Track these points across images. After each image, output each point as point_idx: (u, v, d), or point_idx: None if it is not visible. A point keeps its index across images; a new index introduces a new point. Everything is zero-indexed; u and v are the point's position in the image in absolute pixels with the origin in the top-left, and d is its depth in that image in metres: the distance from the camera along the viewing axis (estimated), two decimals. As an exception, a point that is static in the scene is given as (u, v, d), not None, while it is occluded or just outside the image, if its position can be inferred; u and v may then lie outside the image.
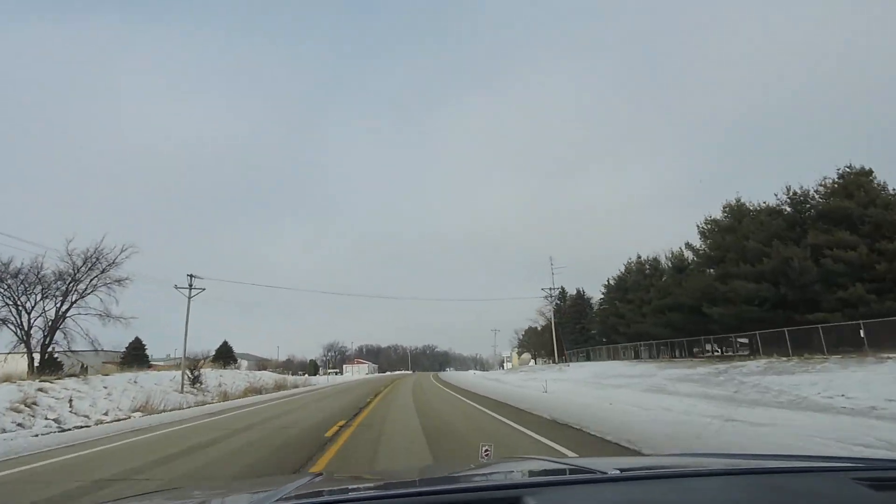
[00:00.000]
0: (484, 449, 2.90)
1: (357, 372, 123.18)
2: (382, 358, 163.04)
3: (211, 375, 35.36)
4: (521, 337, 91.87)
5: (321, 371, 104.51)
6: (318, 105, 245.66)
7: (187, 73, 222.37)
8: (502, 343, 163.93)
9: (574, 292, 69.31)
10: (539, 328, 76.44)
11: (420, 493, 1.29)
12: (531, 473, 1.85)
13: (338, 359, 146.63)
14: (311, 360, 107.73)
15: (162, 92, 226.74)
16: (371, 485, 1.87)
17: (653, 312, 42.01)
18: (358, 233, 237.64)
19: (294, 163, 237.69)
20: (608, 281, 57.03)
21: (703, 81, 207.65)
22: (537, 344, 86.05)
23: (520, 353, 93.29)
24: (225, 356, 55.88)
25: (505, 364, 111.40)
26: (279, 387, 41.96)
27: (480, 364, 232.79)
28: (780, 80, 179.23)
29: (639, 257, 51.75)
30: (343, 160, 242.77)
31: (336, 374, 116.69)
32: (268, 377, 45.42)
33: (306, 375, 72.95)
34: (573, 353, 67.24)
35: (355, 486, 1.76)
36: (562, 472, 1.75)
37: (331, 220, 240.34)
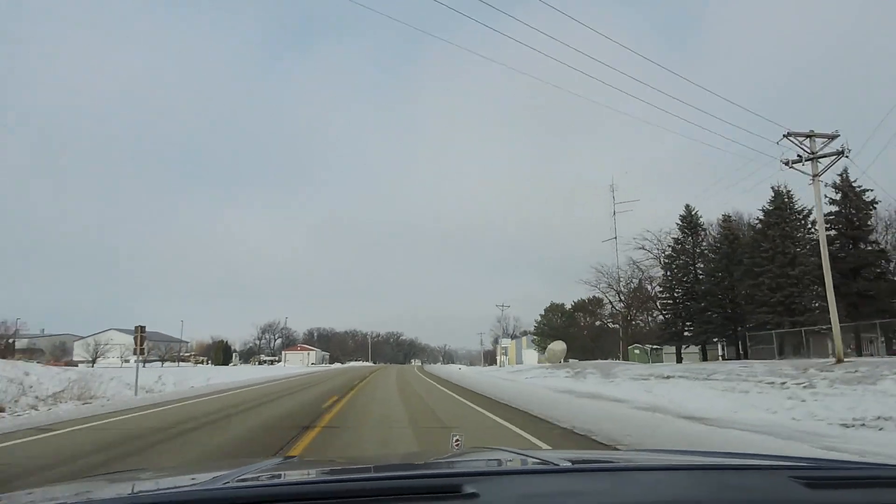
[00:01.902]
0: (455, 439, 2.93)
1: (300, 361, 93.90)
2: (336, 345, 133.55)
3: None
4: (539, 320, 64.23)
5: (236, 360, 75.31)
6: (285, 55, 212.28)
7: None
8: (481, 331, 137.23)
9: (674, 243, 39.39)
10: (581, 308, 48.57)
11: (367, 479, 1.40)
12: (487, 463, 1.89)
13: (280, 344, 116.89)
14: (220, 342, 76.83)
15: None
16: (328, 469, 1.97)
17: None
18: (326, 212, 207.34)
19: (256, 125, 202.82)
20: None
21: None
22: (560, 332, 58.84)
23: (539, 344, 65.18)
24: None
25: (499, 359, 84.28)
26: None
27: (448, 356, 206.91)
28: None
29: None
30: (316, 130, 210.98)
31: (270, 363, 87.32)
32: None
33: (203, 363, 44.87)
34: (648, 351, 40.30)
35: (312, 470, 1.92)
36: (513, 462, 1.81)
37: (296, 195, 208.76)
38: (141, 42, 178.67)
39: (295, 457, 2.69)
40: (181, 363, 69.08)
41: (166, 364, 64.74)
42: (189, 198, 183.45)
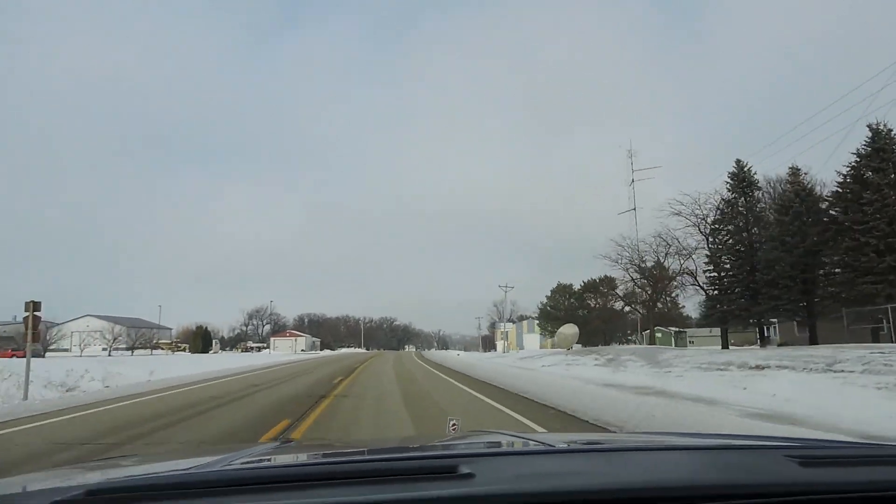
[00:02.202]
0: (452, 423, 2.96)
1: (289, 349, 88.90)
2: (327, 331, 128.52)
3: None
4: (544, 302, 59.29)
5: (216, 347, 69.93)
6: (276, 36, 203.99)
7: None
8: (479, 315, 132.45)
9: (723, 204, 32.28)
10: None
11: (363, 461, 1.41)
12: (482, 445, 1.90)
13: (269, 330, 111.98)
14: (199, 328, 71.02)
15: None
16: (325, 452, 1.97)
17: None
18: (319, 195, 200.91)
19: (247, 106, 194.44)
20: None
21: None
22: (569, 315, 54.22)
23: (545, 328, 60.64)
24: None
25: (499, 343, 79.75)
26: None
27: (442, 342, 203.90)
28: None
29: None
30: (304, 113, 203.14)
31: (257, 349, 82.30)
32: None
33: (182, 351, 39.97)
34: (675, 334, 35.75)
35: (310, 453, 1.92)
36: (510, 444, 1.83)
37: (289, 177, 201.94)
38: (120, 21, 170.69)
39: (292, 441, 2.55)
40: (154, 351, 63.93)
41: (138, 352, 59.72)
42: (176, 181, 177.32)
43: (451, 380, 19.84)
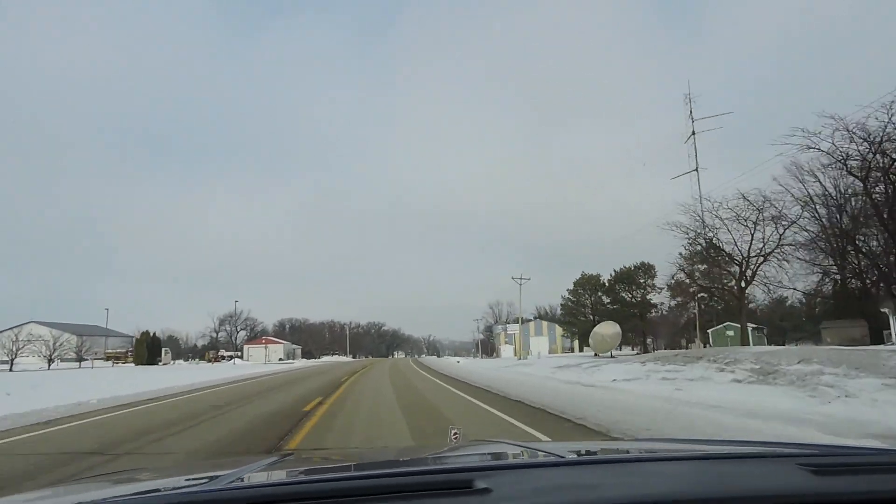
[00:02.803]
0: (453, 432, 2.88)
1: (264, 357, 78.52)
2: (310, 337, 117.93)
3: None
4: (566, 300, 49.52)
5: (166, 357, 58.91)
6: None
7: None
8: (476, 318, 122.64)
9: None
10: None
11: (375, 476, 1.34)
12: (492, 457, 1.88)
13: (245, 337, 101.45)
14: (142, 334, 58.87)
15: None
16: (329, 466, 1.99)
17: None
18: (304, 196, 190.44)
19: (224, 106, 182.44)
20: None
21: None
22: (601, 312, 45.24)
23: (568, 329, 51.39)
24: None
25: (504, 349, 70.83)
26: None
27: (432, 347, 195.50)
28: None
29: None
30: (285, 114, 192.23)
31: (228, 359, 71.88)
32: None
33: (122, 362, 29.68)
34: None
35: (314, 468, 1.87)
36: (519, 455, 1.80)
37: (270, 178, 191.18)
38: (92, 9, 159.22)
39: (292, 453, 2.45)
40: (97, 363, 53.59)
41: (86, 364, 49.61)
42: (150, 180, 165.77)
43: (496, 412, 10.33)
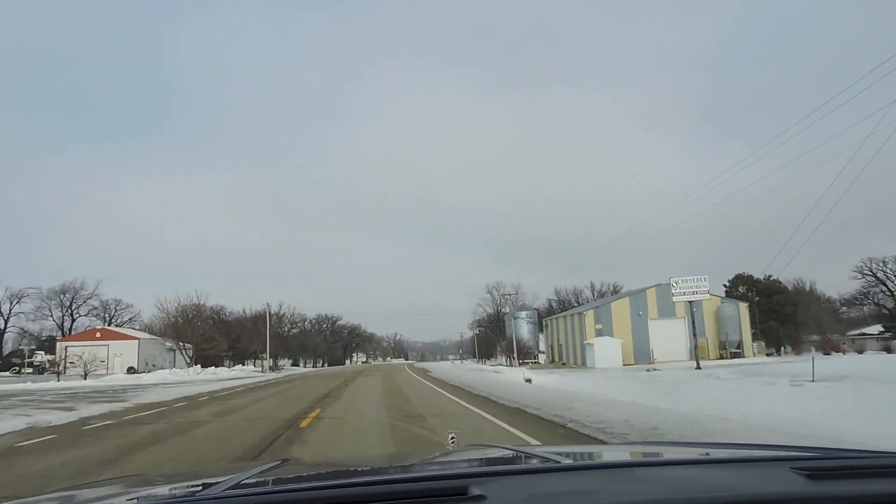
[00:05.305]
0: (450, 437, 2.87)
1: (83, 366, 48.71)
2: (227, 333, 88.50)
3: None
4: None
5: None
6: None
7: None
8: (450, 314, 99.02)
9: None
10: None
11: (370, 483, 1.35)
12: (487, 462, 1.88)
13: (87, 326, 75.93)
14: None
15: None
16: (327, 471, 1.95)
17: None
18: (239, 177, 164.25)
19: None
20: None
21: None
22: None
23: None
24: None
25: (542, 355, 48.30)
26: None
27: (399, 348, 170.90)
28: None
29: None
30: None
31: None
32: None
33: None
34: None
35: (310, 475, 1.86)
36: (516, 461, 1.81)
37: (202, 155, 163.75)
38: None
39: (289, 460, 2.29)
40: None
41: None
42: (62, 157, 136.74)
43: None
